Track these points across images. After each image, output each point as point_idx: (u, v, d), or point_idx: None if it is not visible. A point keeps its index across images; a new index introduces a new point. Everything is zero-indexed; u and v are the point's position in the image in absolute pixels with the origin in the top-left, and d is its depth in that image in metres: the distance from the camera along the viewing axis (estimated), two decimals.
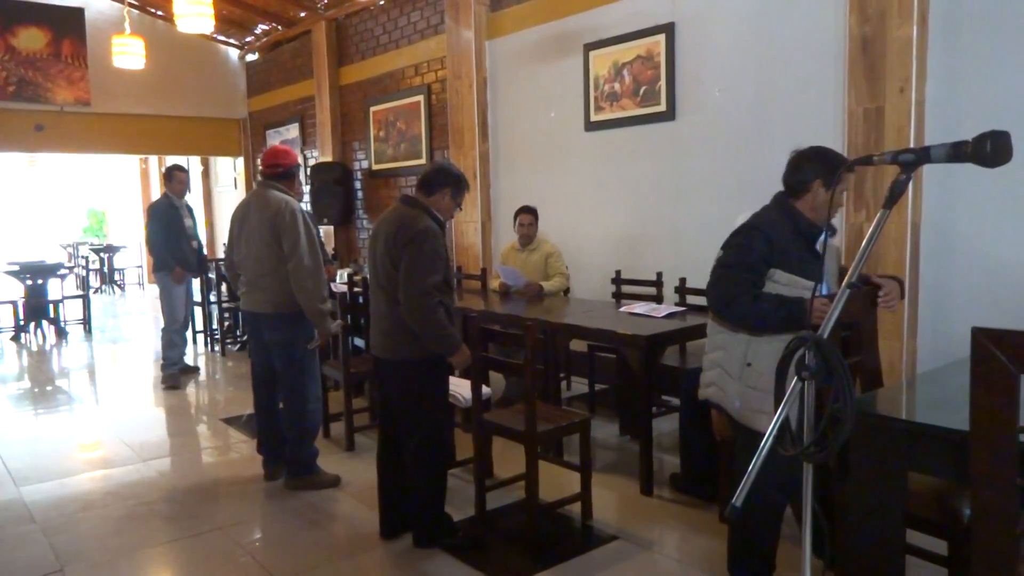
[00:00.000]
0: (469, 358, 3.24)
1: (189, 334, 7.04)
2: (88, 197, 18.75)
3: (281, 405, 4.02)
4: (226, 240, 4.38)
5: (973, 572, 1.69)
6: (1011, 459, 1.59)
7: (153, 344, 8.80)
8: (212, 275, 7.91)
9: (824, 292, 2.62)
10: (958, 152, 1.48)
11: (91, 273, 12.89)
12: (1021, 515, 1.60)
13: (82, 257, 13.39)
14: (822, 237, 2.55)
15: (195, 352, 7.81)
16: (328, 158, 8.80)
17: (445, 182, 3.21)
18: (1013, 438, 1.58)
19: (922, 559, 2.37)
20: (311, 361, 3.97)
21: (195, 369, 6.94)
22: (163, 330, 6.45)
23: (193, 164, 12.37)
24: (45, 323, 9.29)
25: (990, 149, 1.43)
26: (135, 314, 11.48)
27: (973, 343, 1.59)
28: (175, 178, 6.46)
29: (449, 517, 3.32)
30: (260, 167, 4.13)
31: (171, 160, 14.40)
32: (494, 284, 5.64)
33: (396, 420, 3.29)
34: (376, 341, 3.28)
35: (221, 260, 7.05)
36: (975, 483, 1.66)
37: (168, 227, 6.27)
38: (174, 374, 6.37)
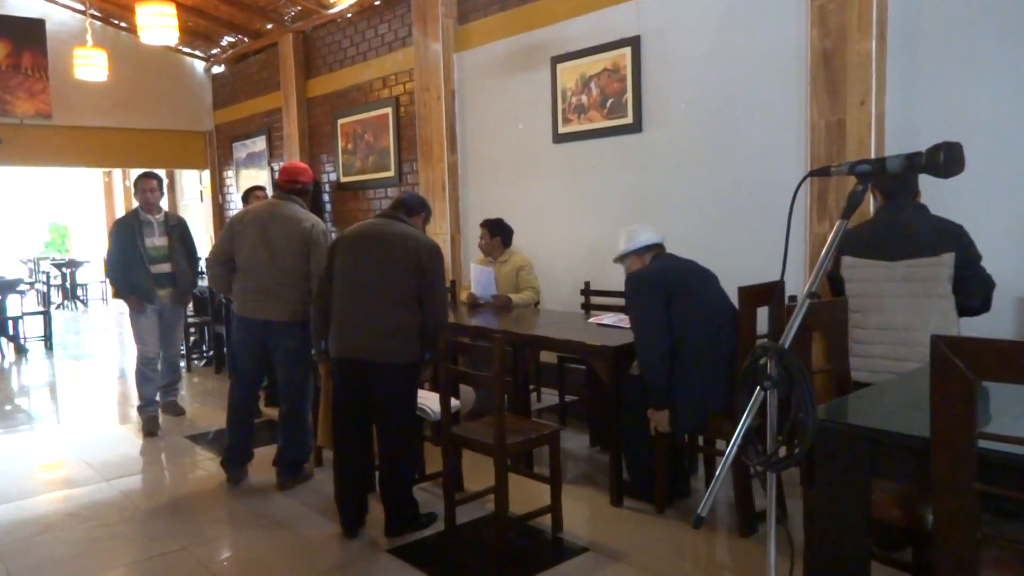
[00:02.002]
0: None
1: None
2: (50, 211, 18.39)
3: (278, 409, 4.22)
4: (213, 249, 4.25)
5: None
6: (970, 465, 1.62)
7: (117, 360, 8.64)
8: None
9: None
10: (913, 163, 1.50)
11: (53, 289, 12.63)
12: (982, 520, 1.63)
13: (43, 272, 13.11)
14: None
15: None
16: None
17: (423, 208, 3.66)
18: (972, 444, 1.61)
19: (887, 565, 2.40)
20: (311, 367, 4.15)
21: (180, 411, 5.77)
22: (135, 367, 5.51)
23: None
24: (4, 340, 9.06)
25: (943, 160, 1.46)
26: (98, 330, 11.26)
27: (932, 351, 1.62)
28: (141, 187, 5.36)
29: (416, 505, 3.54)
30: (277, 180, 4.26)
31: (136, 173, 14.32)
32: (463, 296, 5.62)
33: (376, 418, 3.43)
34: (364, 344, 3.35)
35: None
36: (936, 489, 1.68)
37: (123, 247, 5.27)
38: (152, 417, 5.39)
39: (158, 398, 5.51)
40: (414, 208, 3.59)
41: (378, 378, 3.35)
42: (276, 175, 4.27)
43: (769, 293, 3.43)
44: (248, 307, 4.05)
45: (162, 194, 5.50)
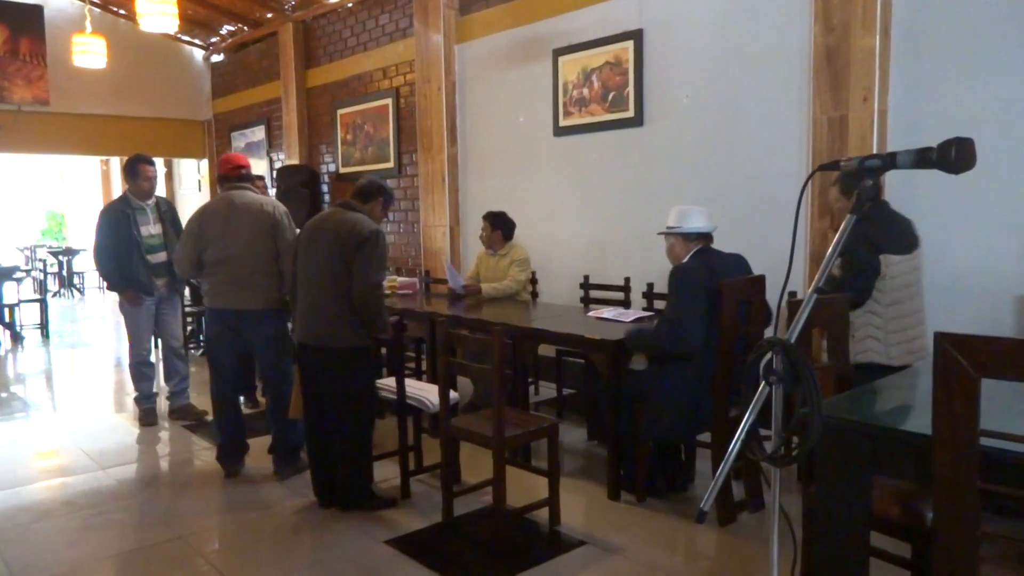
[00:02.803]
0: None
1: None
2: (47, 199, 18.32)
3: (262, 398, 4.30)
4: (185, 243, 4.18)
5: (936, 573, 1.71)
6: (972, 462, 1.61)
7: (114, 348, 8.62)
8: None
9: None
10: (923, 158, 1.50)
11: (49, 276, 12.58)
12: (982, 517, 1.63)
13: (40, 260, 13.07)
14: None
15: (158, 357, 7.61)
16: (295, 161, 8.71)
17: (380, 193, 3.72)
18: (974, 441, 1.60)
19: (886, 561, 2.40)
20: (291, 352, 4.16)
21: (199, 414, 5.31)
22: (129, 363, 5.35)
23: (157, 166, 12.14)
24: (0, 328, 9.04)
25: (955, 156, 1.46)
26: (95, 319, 11.23)
27: (936, 348, 1.61)
28: (139, 173, 5.01)
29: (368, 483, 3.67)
30: (222, 173, 4.19)
31: None
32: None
33: (327, 400, 3.59)
34: (314, 330, 3.54)
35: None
36: (937, 486, 1.68)
37: (117, 238, 4.93)
38: (150, 409, 5.28)
39: (169, 401, 5.39)
40: (369, 194, 3.69)
41: (327, 362, 3.52)
42: (218, 170, 4.24)
43: (752, 287, 3.47)
44: (221, 299, 4.03)
45: None
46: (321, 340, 3.51)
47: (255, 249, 3.96)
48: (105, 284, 5.36)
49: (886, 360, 3.24)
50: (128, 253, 4.96)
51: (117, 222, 4.99)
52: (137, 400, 5.37)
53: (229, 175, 4.14)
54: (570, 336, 4.00)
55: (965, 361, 1.58)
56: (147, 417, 5.28)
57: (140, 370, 5.27)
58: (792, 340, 1.58)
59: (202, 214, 4.10)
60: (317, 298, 3.50)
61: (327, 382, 3.56)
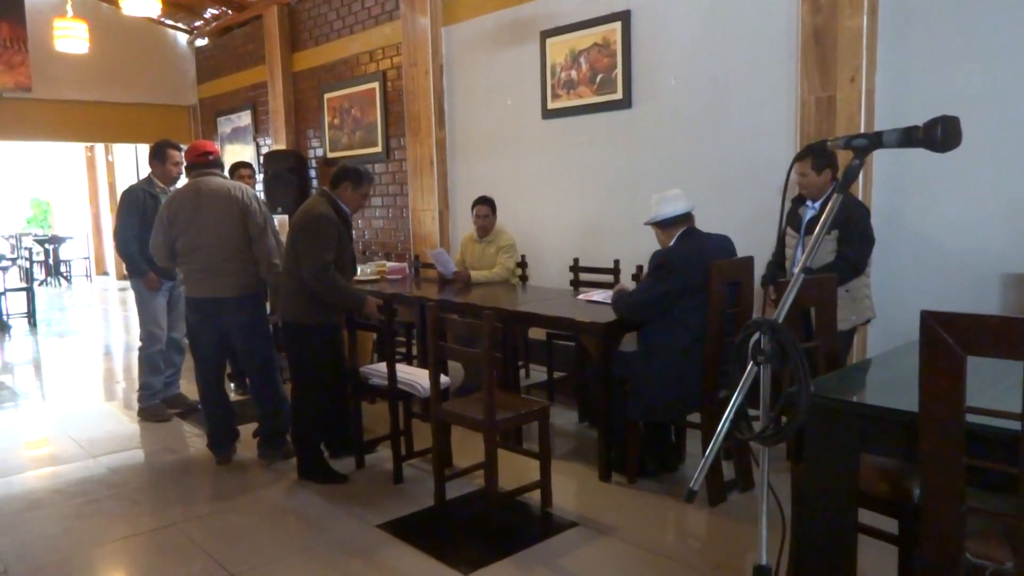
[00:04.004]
0: (374, 304, 3.78)
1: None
2: (32, 186, 18.12)
3: (248, 382, 4.32)
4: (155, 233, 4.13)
5: (922, 549, 1.73)
6: (958, 439, 1.63)
7: (102, 337, 8.58)
8: None
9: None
10: (910, 137, 1.50)
11: (35, 265, 12.48)
12: (967, 493, 1.65)
13: (25, 248, 12.95)
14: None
15: None
16: (282, 146, 8.64)
17: (344, 176, 3.80)
18: (960, 419, 1.62)
19: (874, 537, 2.43)
20: (271, 336, 4.21)
21: (193, 406, 5.07)
22: (140, 350, 5.08)
23: (142, 151, 12.04)
24: None
25: (940, 134, 1.46)
26: (82, 307, 11.16)
27: (922, 326, 1.62)
28: (168, 157, 4.92)
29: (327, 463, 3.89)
30: (188, 162, 4.18)
31: (119, 148, 14.09)
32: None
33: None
34: (277, 307, 3.97)
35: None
36: (923, 463, 1.70)
37: (144, 221, 4.76)
38: (155, 406, 5.08)
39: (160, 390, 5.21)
40: (335, 180, 3.83)
41: (285, 336, 3.86)
42: (186, 158, 4.23)
43: (740, 268, 3.50)
44: (197, 287, 4.01)
45: None
46: (283, 315, 3.83)
47: (227, 235, 3.94)
48: (126, 267, 5.14)
49: (873, 314, 3.79)
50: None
51: (144, 203, 4.88)
52: (145, 399, 5.07)
53: (196, 162, 4.12)
54: (560, 319, 4.01)
55: (951, 339, 1.60)
56: (156, 413, 5.01)
57: (155, 361, 5.02)
58: (780, 320, 1.58)
59: (171, 203, 4.07)
60: (282, 277, 3.85)
61: (289, 355, 3.86)
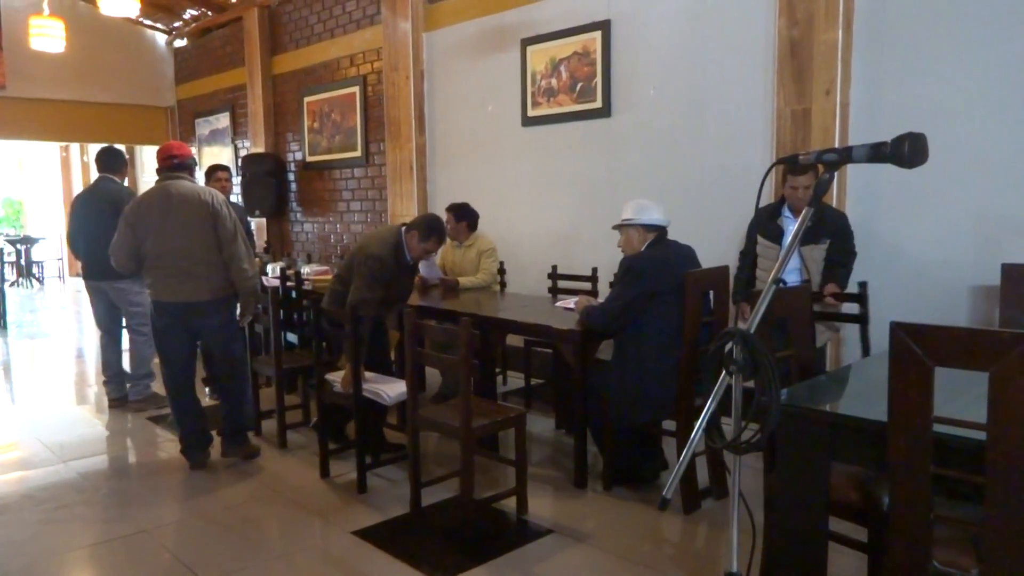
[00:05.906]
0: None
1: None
2: (4, 185, 17.84)
3: (218, 382, 4.39)
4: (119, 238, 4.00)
5: (890, 556, 1.76)
6: (926, 448, 1.66)
7: (74, 340, 8.45)
8: None
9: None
10: (878, 153, 1.53)
11: (6, 266, 12.28)
12: (935, 502, 1.67)
13: None
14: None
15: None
16: (260, 149, 8.59)
17: (416, 225, 4.10)
18: (928, 428, 1.65)
19: (844, 545, 2.46)
20: (243, 337, 4.28)
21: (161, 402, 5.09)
22: (132, 329, 5.23)
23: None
24: None
25: (907, 150, 1.49)
26: (54, 309, 10.99)
27: (891, 337, 1.65)
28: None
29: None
30: (159, 164, 4.05)
31: (94, 148, 13.88)
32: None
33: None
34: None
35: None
36: (892, 472, 1.72)
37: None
38: (150, 396, 5.23)
39: (129, 389, 5.28)
40: (411, 223, 4.19)
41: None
42: (156, 159, 4.10)
43: (716, 277, 3.54)
44: (167, 292, 3.94)
45: None
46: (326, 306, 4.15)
47: (196, 239, 3.89)
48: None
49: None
50: None
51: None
52: (132, 384, 5.31)
53: (164, 165, 4.03)
54: (537, 326, 4.02)
55: (920, 350, 1.63)
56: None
57: (145, 347, 5.19)
58: (751, 330, 1.60)
59: (137, 206, 3.98)
60: (333, 282, 4.31)
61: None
